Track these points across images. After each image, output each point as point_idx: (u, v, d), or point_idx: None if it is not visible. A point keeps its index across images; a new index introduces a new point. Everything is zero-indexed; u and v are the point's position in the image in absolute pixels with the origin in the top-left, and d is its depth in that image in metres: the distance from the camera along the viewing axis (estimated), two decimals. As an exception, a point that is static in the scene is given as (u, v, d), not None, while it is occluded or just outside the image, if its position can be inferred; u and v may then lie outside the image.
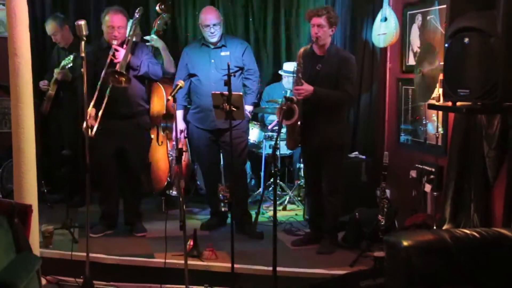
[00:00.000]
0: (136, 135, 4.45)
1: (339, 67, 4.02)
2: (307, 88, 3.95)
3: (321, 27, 3.99)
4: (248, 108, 4.57)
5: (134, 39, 4.40)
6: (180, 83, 3.61)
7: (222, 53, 4.47)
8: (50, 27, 5.13)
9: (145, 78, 4.43)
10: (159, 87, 5.03)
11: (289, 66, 5.33)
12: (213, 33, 4.40)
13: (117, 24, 4.25)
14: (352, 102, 4.30)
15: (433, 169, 4.16)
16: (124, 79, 4.08)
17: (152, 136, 5.07)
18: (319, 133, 4.09)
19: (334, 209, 4.17)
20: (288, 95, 5.24)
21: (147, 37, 5.15)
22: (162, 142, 5.10)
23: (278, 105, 5.17)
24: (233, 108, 3.62)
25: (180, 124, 4.63)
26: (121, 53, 4.19)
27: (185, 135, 4.72)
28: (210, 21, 4.39)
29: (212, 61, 4.46)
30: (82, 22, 3.45)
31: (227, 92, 3.61)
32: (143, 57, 4.37)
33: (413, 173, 4.43)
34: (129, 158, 4.44)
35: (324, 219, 4.21)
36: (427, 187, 4.20)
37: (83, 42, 3.43)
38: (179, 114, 4.62)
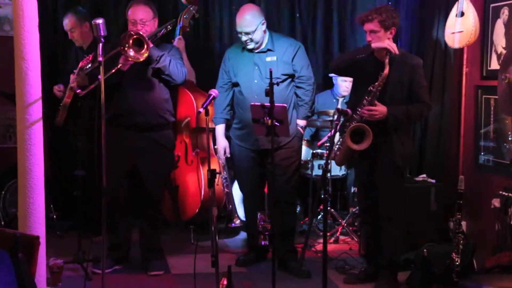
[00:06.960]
0: (154, 152, 4.39)
1: (411, 75, 4.00)
2: (382, 109, 3.90)
3: (374, 33, 3.99)
4: (301, 122, 4.53)
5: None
6: (214, 92, 3.61)
7: (268, 58, 4.43)
8: (68, 21, 5.21)
9: (166, 80, 4.38)
10: (186, 93, 5.06)
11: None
12: (247, 42, 4.37)
13: (139, 17, 4.27)
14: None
15: (522, 198, 4.12)
16: (143, 50, 4.03)
17: (179, 154, 5.06)
18: (377, 149, 4.01)
19: (391, 240, 4.12)
20: (339, 105, 5.18)
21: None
22: (192, 161, 5.10)
23: (329, 118, 5.12)
24: (276, 123, 3.59)
25: (221, 141, 4.62)
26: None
27: (227, 154, 4.71)
28: (241, 28, 4.35)
29: (256, 67, 4.43)
30: (100, 21, 3.47)
31: (268, 104, 3.59)
32: (167, 52, 4.34)
33: (496, 202, 4.36)
34: (144, 179, 4.41)
35: (381, 252, 4.18)
36: (515, 220, 4.16)
37: (101, 44, 3.45)
38: (220, 129, 4.62)
